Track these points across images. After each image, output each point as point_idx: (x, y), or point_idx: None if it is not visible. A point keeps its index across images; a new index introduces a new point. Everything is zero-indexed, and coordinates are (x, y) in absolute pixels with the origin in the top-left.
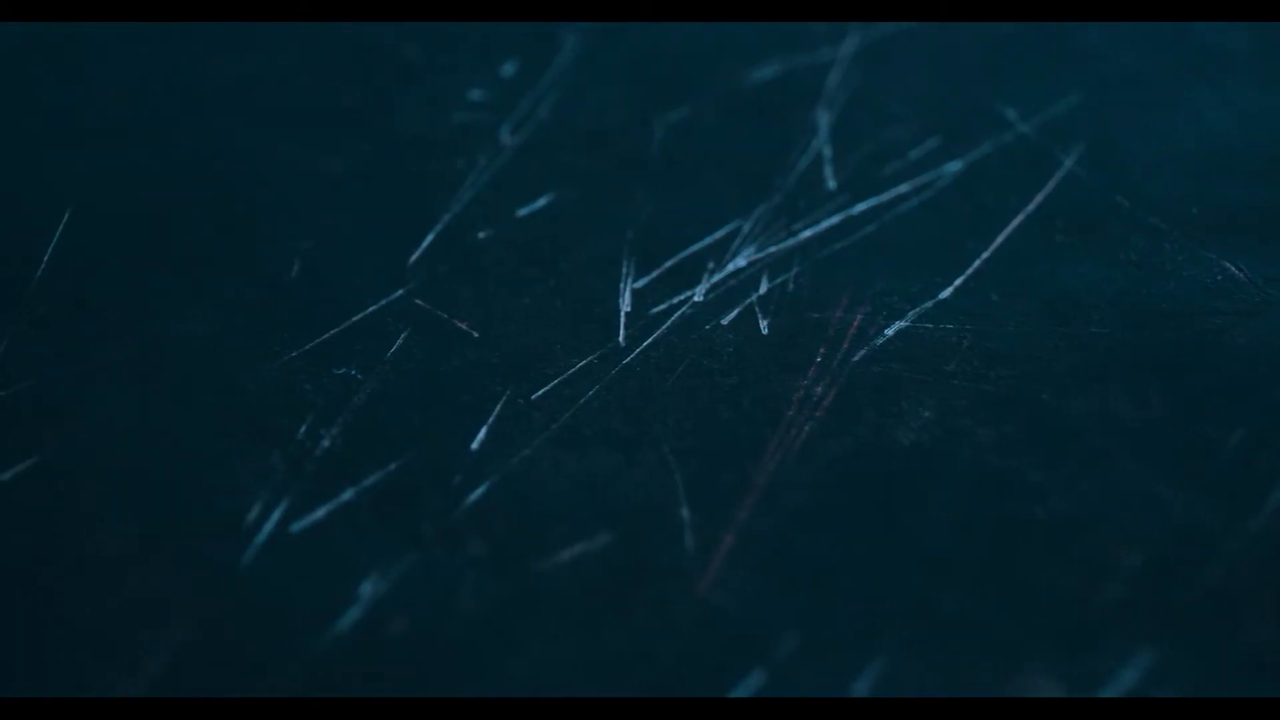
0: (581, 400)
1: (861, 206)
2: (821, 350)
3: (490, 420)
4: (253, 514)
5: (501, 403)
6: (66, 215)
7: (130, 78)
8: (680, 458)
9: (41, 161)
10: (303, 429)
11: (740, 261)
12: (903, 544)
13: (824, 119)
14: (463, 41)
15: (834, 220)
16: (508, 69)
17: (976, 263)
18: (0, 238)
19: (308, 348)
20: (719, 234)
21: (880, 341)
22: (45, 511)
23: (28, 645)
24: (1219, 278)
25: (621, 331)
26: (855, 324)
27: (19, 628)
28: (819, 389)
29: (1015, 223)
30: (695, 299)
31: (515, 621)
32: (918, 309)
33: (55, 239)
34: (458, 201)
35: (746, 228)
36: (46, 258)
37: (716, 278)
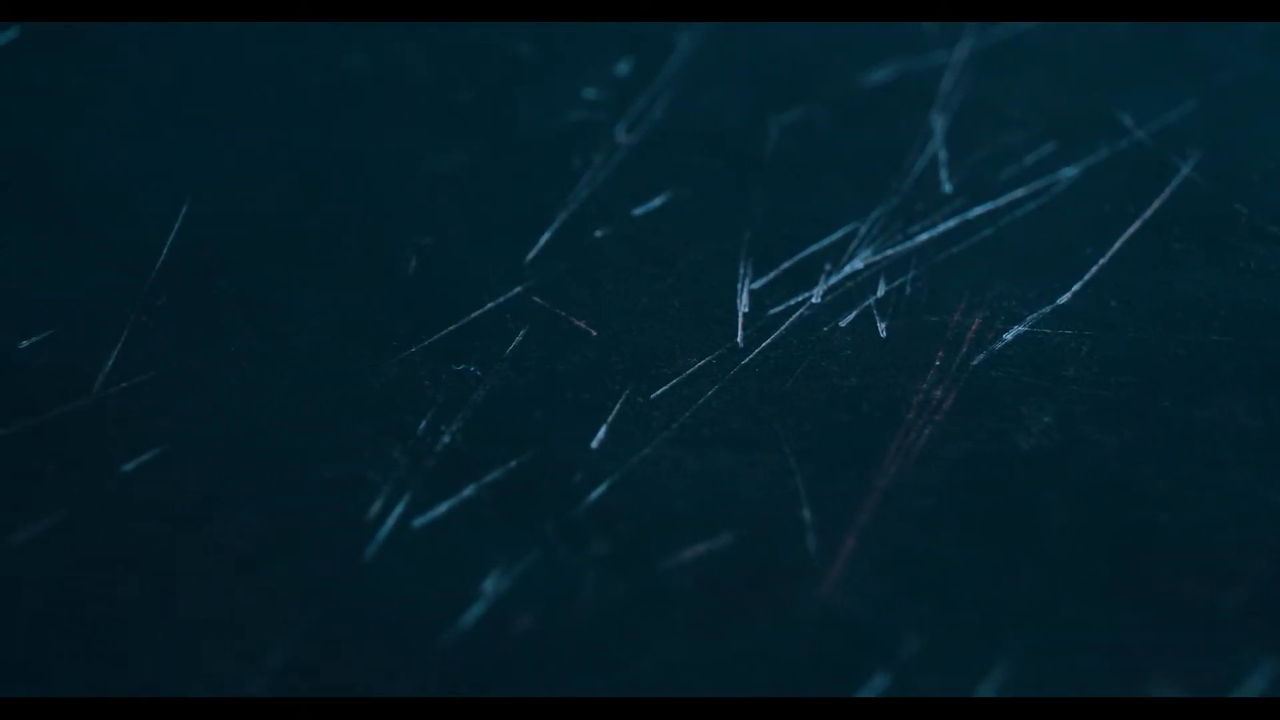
0: (701, 400)
1: (978, 210)
2: (940, 354)
3: (610, 419)
4: (375, 508)
5: (621, 401)
6: (185, 207)
7: (248, 73)
8: (800, 459)
9: (161, 154)
10: (423, 424)
11: (857, 264)
12: (1024, 549)
13: (939, 122)
14: (576, 40)
15: (950, 224)
16: (622, 68)
17: (1094, 269)
18: (120, 229)
19: (427, 343)
20: (835, 236)
21: (999, 346)
22: (168, 503)
23: (153, 638)
24: None
25: (739, 332)
26: (973, 328)
27: (144, 620)
28: (938, 392)
29: (1132, 229)
30: (813, 300)
31: (639, 620)
32: (1036, 314)
33: (174, 231)
34: (574, 200)
35: (863, 230)
36: (166, 249)
37: (834, 279)
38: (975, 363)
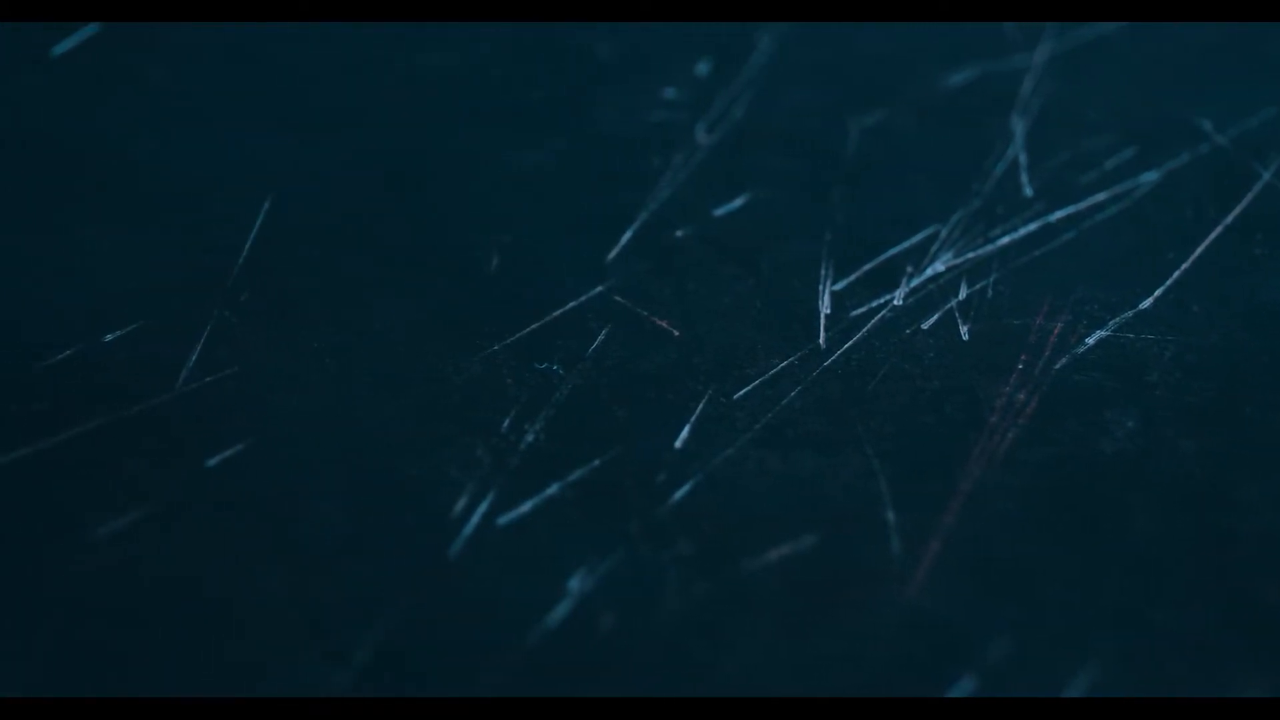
0: (784, 401)
1: (1059, 214)
2: (1023, 357)
3: (693, 419)
4: (459, 506)
5: (704, 401)
6: (266, 204)
7: (328, 72)
8: (883, 461)
9: (242, 151)
10: (506, 422)
11: (939, 266)
12: (1110, 553)
13: (1019, 125)
14: (656, 40)
15: (1032, 227)
16: (702, 68)
17: (1176, 273)
18: (203, 225)
19: (509, 341)
20: (916, 238)
21: (1081, 350)
22: (252, 499)
23: (239, 635)
24: None
25: (822, 333)
26: (1056, 331)
27: (230, 616)
28: (1021, 396)
29: (1214, 234)
30: (895, 303)
31: (724, 621)
32: (1118, 318)
33: (256, 227)
34: (654, 199)
35: (944, 232)
36: (248, 246)
37: (915, 282)
38: (1058, 367)
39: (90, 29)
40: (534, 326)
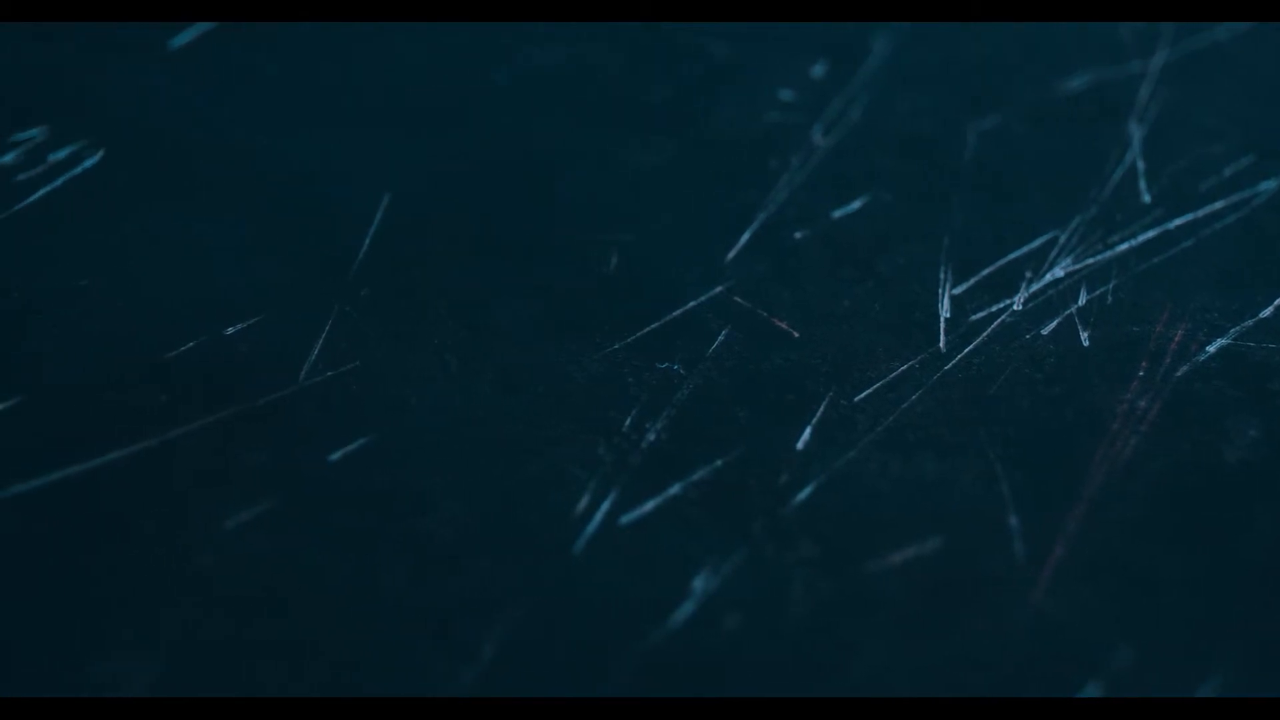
0: (905, 404)
1: (1177, 221)
2: (1144, 364)
3: (814, 420)
4: (581, 504)
5: (825, 404)
6: (385, 200)
7: (447, 69)
8: (1006, 465)
9: (359, 147)
10: (628, 421)
11: (1058, 272)
12: (1234, 561)
13: (1136, 132)
14: (771, 42)
15: (1150, 234)
16: (817, 70)
17: None
18: (322, 220)
19: (629, 340)
20: (1035, 243)
21: (1202, 358)
22: (375, 494)
23: (361, 630)
24: None
25: (942, 337)
26: (1176, 339)
27: (353, 611)
28: (1143, 403)
29: None
30: (1014, 308)
31: (848, 622)
32: (1238, 327)
33: (375, 223)
34: (772, 201)
35: (1063, 238)
36: (368, 242)
37: (1035, 287)
38: (1179, 374)
39: (207, 24)
40: (654, 326)
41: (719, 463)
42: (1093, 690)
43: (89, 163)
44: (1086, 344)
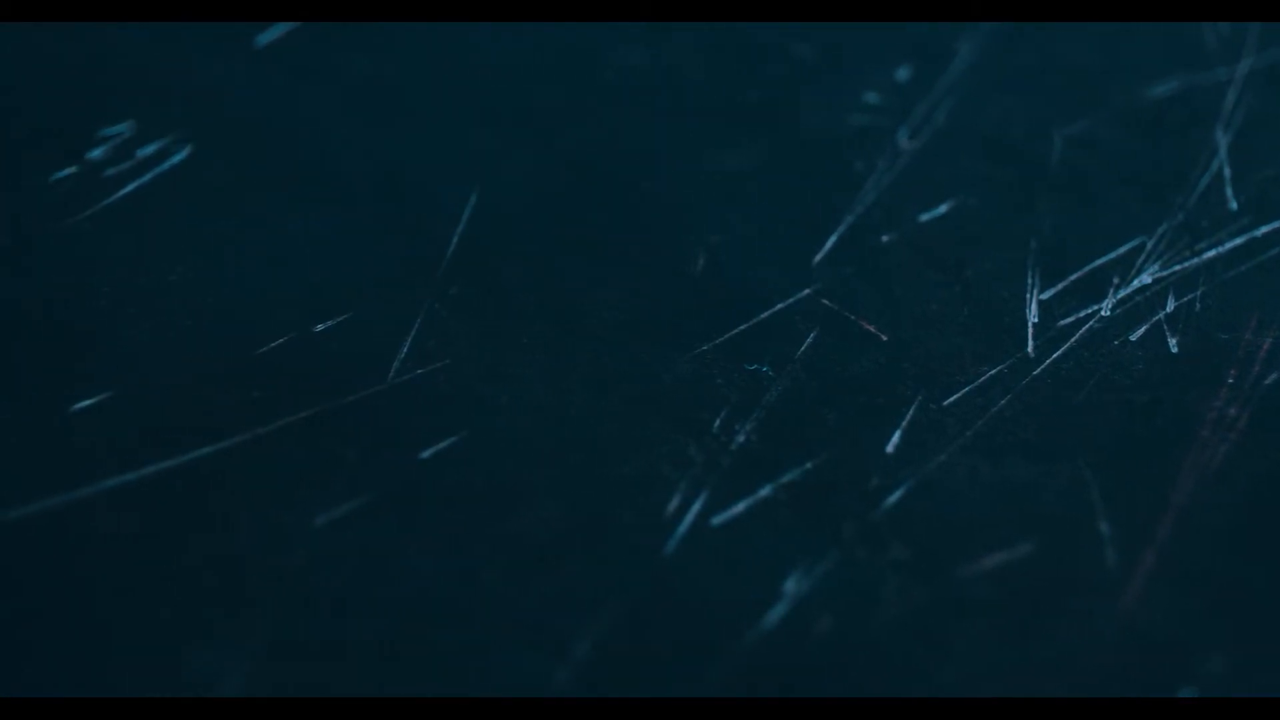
0: (994, 409)
1: (1265, 229)
2: (1233, 372)
3: (903, 424)
4: (673, 504)
5: (914, 407)
6: (473, 198)
7: (532, 67)
8: (1095, 471)
9: (446, 145)
10: (717, 422)
11: (1145, 278)
12: None
13: (1223, 139)
14: (855, 43)
15: (1238, 241)
16: (902, 73)
17: None
18: (409, 217)
19: (718, 341)
20: (1122, 249)
21: None
22: (467, 492)
23: (455, 628)
24: None
25: (1030, 342)
26: (1265, 347)
27: (447, 609)
28: (1232, 411)
29: None
30: (1102, 313)
31: (941, 626)
32: None
33: (463, 222)
34: (859, 204)
35: (1150, 244)
36: (456, 239)
37: (1122, 293)
38: (1268, 382)
39: (292, 24)
40: (742, 327)
41: (809, 465)
42: (1185, 695)
43: (177, 158)
44: (1175, 350)
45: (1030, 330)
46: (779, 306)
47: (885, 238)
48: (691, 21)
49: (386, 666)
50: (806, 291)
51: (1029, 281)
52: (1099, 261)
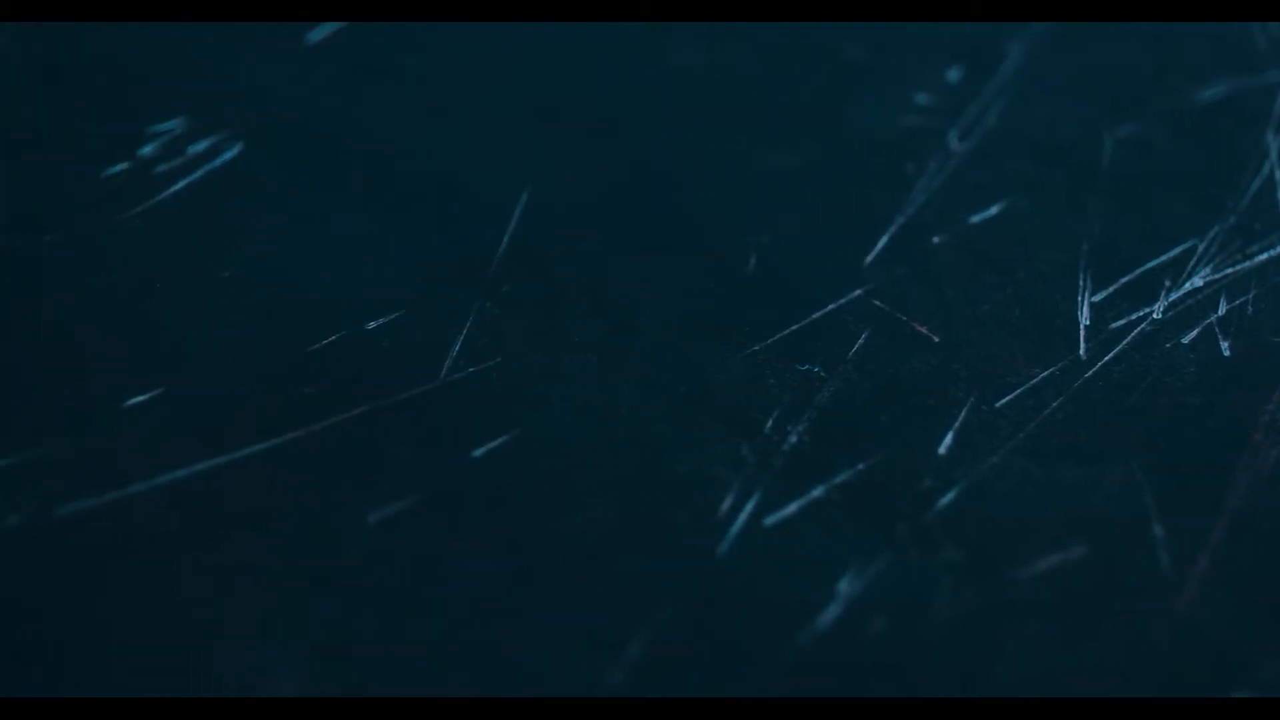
0: (1046, 411)
1: None
2: None
3: (956, 425)
4: (725, 505)
5: (966, 409)
6: (524, 197)
7: (583, 66)
8: (1148, 474)
9: (497, 144)
10: (769, 423)
11: (1197, 281)
12: None
13: (1274, 142)
14: (906, 45)
15: None
16: (952, 74)
17: None
18: (460, 216)
19: (770, 341)
20: (1174, 252)
21: None
22: (520, 491)
23: (507, 626)
24: None
25: (1082, 344)
26: None
27: (501, 607)
28: None
29: None
30: (1154, 316)
31: (995, 628)
32: None
33: (514, 220)
34: (910, 205)
35: (1201, 247)
36: (507, 237)
37: (1174, 296)
38: None
39: (341, 23)
40: (794, 328)
41: (861, 466)
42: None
43: (228, 155)
44: (1227, 354)
45: (1082, 333)
46: (830, 307)
47: (936, 239)
48: (743, 21)
49: (438, 666)
50: (858, 292)
51: (1080, 284)
52: (1150, 264)
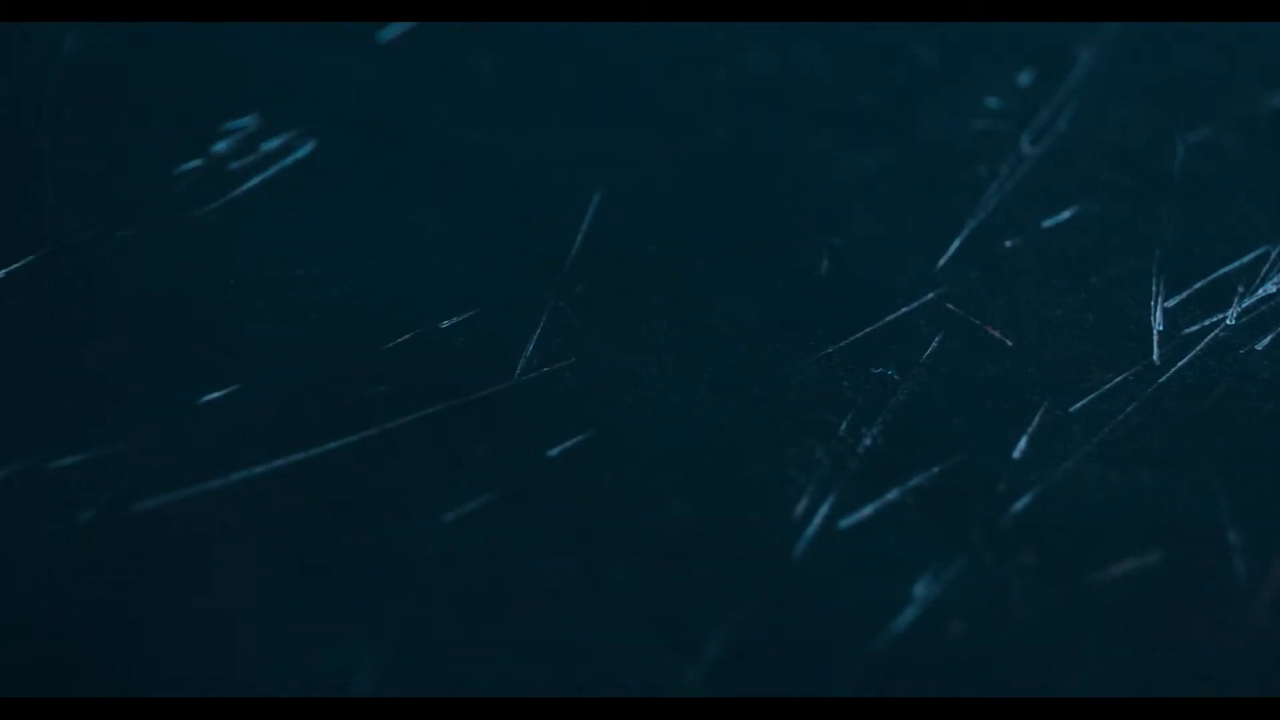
0: (1120, 416)
1: None
2: None
3: (1030, 430)
4: (800, 506)
5: (1040, 413)
6: (597, 197)
7: (657, 68)
8: (1223, 481)
9: (570, 143)
10: (843, 425)
11: (1270, 287)
12: None
13: None
14: (975, 47)
15: None
16: (1024, 78)
17: None
18: (532, 216)
19: (844, 344)
20: (1246, 258)
21: None
22: (596, 491)
23: (584, 624)
24: None
25: (1155, 349)
26: None
27: (576, 605)
28: None
29: None
30: (1227, 322)
31: (1073, 633)
32: None
33: (587, 220)
34: (982, 208)
35: (1274, 253)
36: (580, 237)
37: (1247, 302)
38: None
39: (412, 23)
40: (867, 330)
41: (936, 469)
42: None
43: (300, 152)
44: None
45: (1155, 338)
46: (903, 310)
47: (1009, 243)
48: (814, 22)
49: (515, 665)
50: (930, 295)
51: (1154, 289)
52: (1223, 270)
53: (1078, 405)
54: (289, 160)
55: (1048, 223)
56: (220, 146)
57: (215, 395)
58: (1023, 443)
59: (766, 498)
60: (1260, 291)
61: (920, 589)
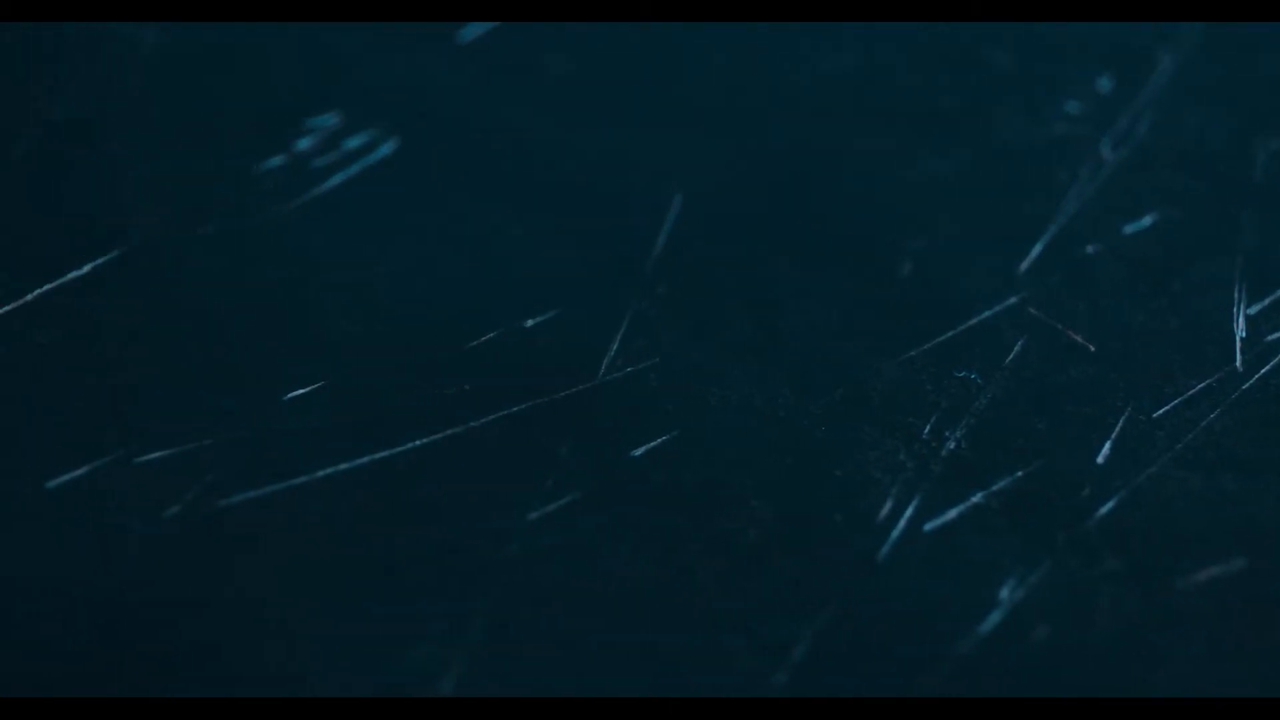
0: (1203, 422)
1: None
2: None
3: (1113, 435)
4: (885, 509)
5: (1123, 419)
6: (677, 198)
7: (736, 69)
8: None
9: (649, 144)
10: (927, 428)
11: None
12: None
13: None
14: (1055, 51)
15: None
16: (1104, 83)
17: None
18: (613, 216)
19: (926, 347)
20: None
21: None
22: (680, 491)
23: (672, 625)
24: None
25: (1238, 356)
26: None
27: (662, 605)
28: None
29: None
30: None
31: (1156, 638)
32: None
33: (668, 221)
34: (1063, 213)
35: None
36: (661, 240)
37: None
38: None
39: (493, 23)
40: (950, 334)
41: (1020, 473)
42: None
43: (383, 150)
44: None
45: (1238, 344)
46: (985, 314)
47: (1090, 248)
48: (893, 21)
49: (600, 664)
50: (1013, 300)
51: (1235, 295)
52: None
53: (1161, 411)
54: (372, 158)
55: (1129, 228)
56: (303, 144)
57: (300, 392)
58: (1106, 448)
59: (850, 499)
60: None
61: (1005, 593)
